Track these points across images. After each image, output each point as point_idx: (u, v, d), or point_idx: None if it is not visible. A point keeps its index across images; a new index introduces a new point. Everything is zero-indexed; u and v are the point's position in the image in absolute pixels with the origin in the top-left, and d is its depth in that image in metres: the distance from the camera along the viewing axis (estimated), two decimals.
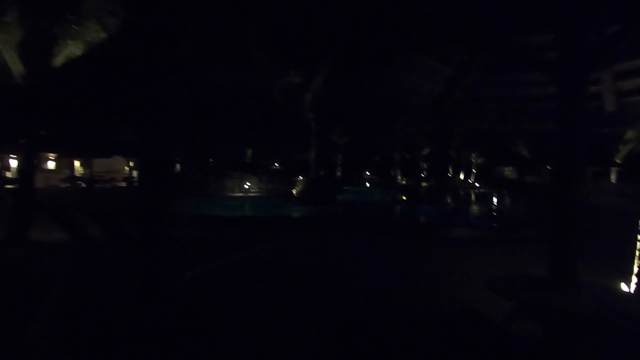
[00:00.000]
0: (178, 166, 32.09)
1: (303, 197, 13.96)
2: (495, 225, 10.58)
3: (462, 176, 44.00)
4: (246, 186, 23.82)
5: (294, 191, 14.55)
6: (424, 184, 17.66)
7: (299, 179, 19.70)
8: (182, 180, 22.89)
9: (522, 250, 7.31)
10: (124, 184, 26.40)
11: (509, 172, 46.49)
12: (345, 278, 5.23)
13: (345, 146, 33.71)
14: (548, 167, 41.26)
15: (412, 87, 15.14)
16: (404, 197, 19.83)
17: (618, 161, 26.74)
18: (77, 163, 30.45)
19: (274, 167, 46.45)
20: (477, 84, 14.33)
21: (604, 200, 23.54)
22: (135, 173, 26.63)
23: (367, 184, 34.03)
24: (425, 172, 41.04)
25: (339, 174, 33.59)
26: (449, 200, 18.22)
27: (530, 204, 19.30)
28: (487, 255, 6.83)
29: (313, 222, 9.74)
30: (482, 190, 31.29)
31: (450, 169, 45.16)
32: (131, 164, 29.95)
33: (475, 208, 17.21)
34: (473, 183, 37.36)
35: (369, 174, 42.90)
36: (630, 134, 25.59)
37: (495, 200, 23.10)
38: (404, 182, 24.16)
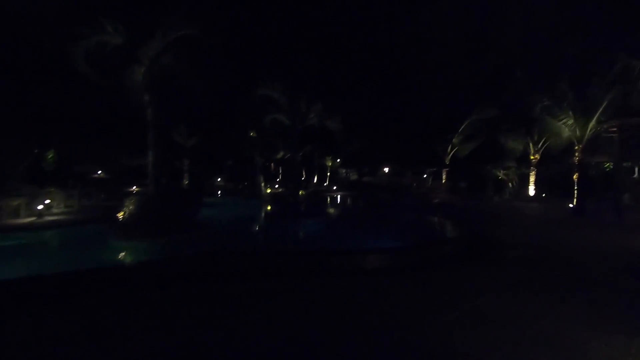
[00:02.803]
0: None
1: (136, 225, 8.79)
2: (394, 243, 8.43)
3: (315, 180, 44.24)
4: (41, 207, 15.82)
5: (121, 215, 9.17)
6: (301, 192, 14.84)
7: (133, 191, 13.98)
8: None
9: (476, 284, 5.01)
10: None
11: (349, 173, 49.09)
12: None
13: (192, 149, 28.11)
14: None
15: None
16: (269, 208, 16.63)
17: (447, 162, 30.63)
18: None
19: (96, 176, 35.94)
20: None
21: (443, 197, 26.36)
22: None
23: (220, 193, 29.37)
24: (280, 177, 39.15)
25: (186, 182, 27.72)
26: (326, 210, 15.87)
27: (386, 206, 19.16)
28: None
29: (164, 290, 5.21)
30: (341, 194, 31.24)
31: (304, 173, 44.72)
32: None
33: (356, 216, 15.41)
34: (329, 187, 37.54)
35: (221, 181, 37.92)
36: (455, 139, 29.58)
37: (360, 203, 22.66)
38: (269, 189, 21.03)
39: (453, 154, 29.94)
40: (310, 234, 11.26)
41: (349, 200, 24.25)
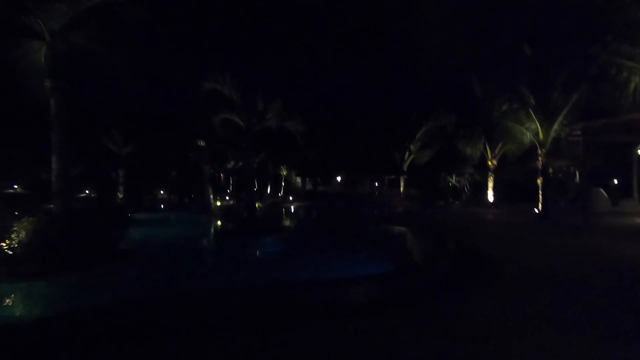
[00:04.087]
0: None
1: (30, 258, 6.26)
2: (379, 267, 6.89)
3: (269, 190, 41.90)
4: None
5: (6, 244, 6.56)
6: (258, 204, 12.79)
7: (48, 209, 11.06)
8: None
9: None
10: None
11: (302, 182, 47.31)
12: None
13: (128, 158, 24.66)
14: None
15: None
16: (220, 224, 14.42)
17: (405, 170, 30.15)
18: None
19: (11, 192, 30.74)
20: None
21: (405, 205, 25.63)
22: None
23: (162, 208, 26.15)
24: (231, 188, 36.49)
25: (120, 196, 24.21)
26: (288, 225, 13.90)
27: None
28: None
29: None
30: (298, 205, 29.46)
31: (256, 183, 42.15)
32: None
33: (322, 231, 13.67)
34: (284, 197, 35.53)
35: (164, 193, 34.29)
36: (412, 147, 29.21)
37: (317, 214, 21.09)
38: (219, 202, 18.62)
39: (411, 161, 29.57)
40: (271, 257, 9.32)
41: (309, 212, 22.45)
